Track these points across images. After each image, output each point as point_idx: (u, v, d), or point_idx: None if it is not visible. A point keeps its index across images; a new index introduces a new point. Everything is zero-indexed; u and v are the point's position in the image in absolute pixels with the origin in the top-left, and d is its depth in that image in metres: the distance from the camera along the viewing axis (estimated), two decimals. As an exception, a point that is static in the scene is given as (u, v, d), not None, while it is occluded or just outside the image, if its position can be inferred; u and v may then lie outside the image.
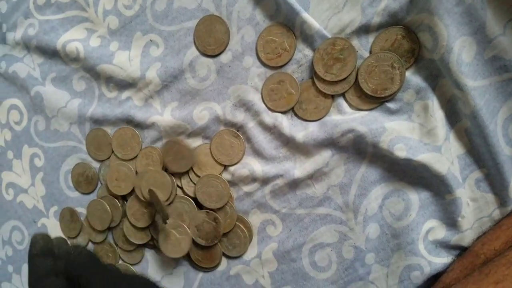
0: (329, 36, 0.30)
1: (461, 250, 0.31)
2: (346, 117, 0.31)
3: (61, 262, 0.28)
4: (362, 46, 0.30)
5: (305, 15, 0.30)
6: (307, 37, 0.30)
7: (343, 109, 0.32)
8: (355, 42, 0.30)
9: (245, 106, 0.34)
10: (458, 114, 0.29)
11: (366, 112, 0.31)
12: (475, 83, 0.28)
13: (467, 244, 0.30)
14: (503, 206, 0.29)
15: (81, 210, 0.42)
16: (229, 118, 0.34)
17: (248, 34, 0.32)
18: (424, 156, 0.30)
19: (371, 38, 0.30)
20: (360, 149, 0.32)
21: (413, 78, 0.30)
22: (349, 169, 0.32)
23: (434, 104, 0.30)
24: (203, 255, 0.36)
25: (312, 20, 0.30)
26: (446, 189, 0.30)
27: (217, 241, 0.35)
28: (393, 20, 0.29)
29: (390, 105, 0.31)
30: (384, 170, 0.32)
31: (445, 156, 0.30)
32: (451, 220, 0.30)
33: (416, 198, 0.31)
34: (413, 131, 0.31)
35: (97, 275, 0.27)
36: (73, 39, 0.38)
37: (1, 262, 0.47)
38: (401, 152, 0.30)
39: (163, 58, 0.35)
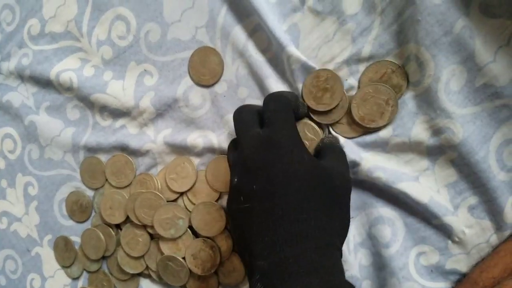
0: (316, 66, 0.31)
1: (460, 276, 0.31)
2: None
3: None
4: (352, 75, 0.31)
5: (291, 49, 0.30)
6: (294, 71, 0.31)
7: None
8: (345, 71, 0.31)
9: None
10: (441, 148, 0.29)
11: (342, 141, 0.31)
12: (464, 111, 0.28)
13: (465, 270, 0.30)
14: (499, 231, 0.29)
15: (76, 239, 0.42)
16: (224, 146, 0.34)
17: (242, 66, 0.32)
18: (403, 185, 0.30)
19: (361, 68, 0.31)
20: None
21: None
22: None
23: (410, 141, 0.30)
24: (199, 285, 0.36)
25: (298, 53, 0.30)
26: (431, 215, 0.30)
27: (213, 271, 0.35)
28: (383, 50, 0.30)
29: (366, 137, 0.31)
30: (367, 196, 0.32)
31: (426, 185, 0.30)
32: (443, 245, 0.30)
33: (401, 223, 0.31)
34: (389, 161, 0.31)
35: None
36: (66, 69, 0.38)
37: (-6, 292, 0.46)
38: (380, 179, 0.30)
39: (157, 88, 0.35)
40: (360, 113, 0.30)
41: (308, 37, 0.31)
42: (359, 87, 0.31)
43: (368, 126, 0.31)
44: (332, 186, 0.25)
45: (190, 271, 0.35)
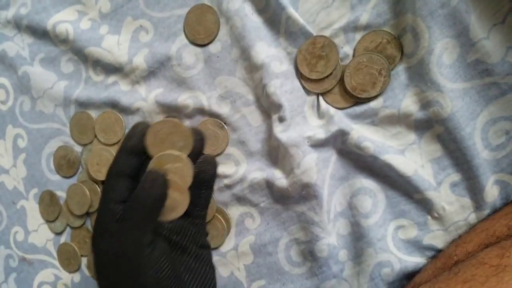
0: (313, 32, 0.31)
1: (436, 252, 0.31)
2: (319, 123, 0.32)
3: None
4: (348, 43, 0.31)
5: (290, 11, 0.30)
6: (291, 34, 0.31)
7: (315, 112, 0.32)
8: (341, 38, 0.31)
9: (232, 97, 0.34)
10: (429, 122, 0.30)
11: (332, 114, 0.31)
12: (454, 85, 0.28)
13: (441, 246, 0.31)
14: (478, 210, 0.30)
15: (61, 194, 0.42)
16: (215, 109, 0.35)
17: (236, 25, 0.32)
18: (388, 157, 0.30)
19: (357, 36, 0.31)
20: (329, 147, 0.32)
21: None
22: (320, 169, 0.32)
23: (400, 113, 0.30)
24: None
25: (297, 16, 0.30)
26: (413, 189, 0.30)
27: None
28: (381, 20, 0.30)
29: (356, 108, 0.31)
30: (351, 166, 0.32)
31: (411, 159, 0.30)
32: (422, 220, 0.31)
33: (382, 196, 0.31)
34: (376, 133, 0.31)
35: None
36: (63, 20, 0.38)
37: (-23, 243, 0.47)
38: (367, 149, 0.30)
39: (151, 44, 0.36)
40: (353, 83, 0.31)
41: (308, 1, 0.31)
42: (353, 55, 0.31)
43: (359, 96, 0.31)
44: None
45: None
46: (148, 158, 0.28)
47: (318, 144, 0.31)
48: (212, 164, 0.30)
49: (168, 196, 0.26)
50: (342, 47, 0.31)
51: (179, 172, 0.27)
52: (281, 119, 0.32)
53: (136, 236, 0.25)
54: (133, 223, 0.25)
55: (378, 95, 0.31)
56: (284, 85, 0.32)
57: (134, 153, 0.27)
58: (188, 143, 0.28)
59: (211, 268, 0.30)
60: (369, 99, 0.31)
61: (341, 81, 0.31)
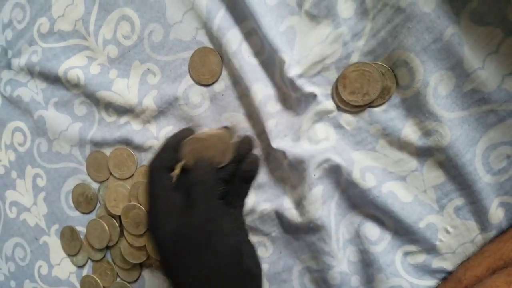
0: (293, 78, 0.32)
1: (446, 274, 0.32)
2: (319, 147, 0.33)
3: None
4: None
5: (283, 55, 0.32)
6: (283, 76, 0.32)
7: (312, 137, 0.33)
8: (332, 72, 0.32)
9: (239, 132, 0.36)
10: (430, 150, 0.31)
11: (334, 141, 0.33)
12: (452, 115, 0.29)
13: (450, 268, 0.32)
14: (484, 232, 0.31)
15: (81, 229, 0.44)
16: (223, 143, 0.36)
17: (235, 67, 0.34)
18: (390, 184, 0.31)
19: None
20: (334, 179, 0.33)
21: (383, 114, 0.32)
22: (325, 200, 0.33)
23: (400, 141, 0.31)
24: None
25: (289, 61, 0.32)
26: (417, 216, 0.31)
27: None
28: (371, 57, 0.31)
29: (355, 133, 0.33)
30: (357, 198, 0.33)
31: (413, 185, 0.32)
32: (429, 245, 0.32)
33: (390, 223, 0.33)
34: (378, 160, 0.33)
35: None
36: (74, 66, 0.40)
37: (4, 277, 0.49)
38: (371, 181, 0.31)
39: (159, 86, 0.38)
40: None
41: (303, 39, 0.33)
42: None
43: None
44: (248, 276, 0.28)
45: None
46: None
47: (323, 176, 0.33)
48: (257, 163, 0.34)
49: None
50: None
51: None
52: (282, 154, 0.34)
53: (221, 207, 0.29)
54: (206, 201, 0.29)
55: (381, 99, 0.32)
56: (279, 124, 0.33)
57: (175, 151, 0.32)
58: (228, 152, 0.32)
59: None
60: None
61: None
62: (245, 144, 0.34)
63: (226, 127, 0.36)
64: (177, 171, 0.32)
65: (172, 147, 0.32)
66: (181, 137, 0.32)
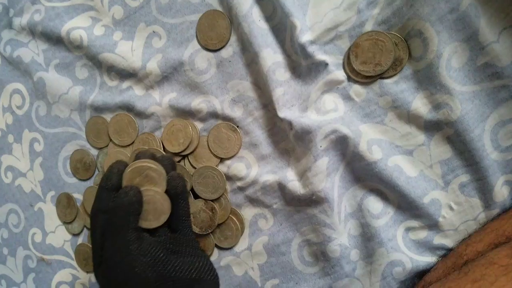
0: (305, 44, 0.31)
1: (446, 251, 0.32)
2: (326, 117, 0.33)
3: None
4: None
5: (294, 20, 0.31)
6: (295, 42, 0.32)
7: (320, 108, 0.33)
8: (345, 40, 0.32)
9: (244, 101, 0.36)
10: (438, 124, 0.31)
11: (342, 113, 0.33)
12: (463, 88, 0.29)
13: (451, 245, 0.32)
14: (488, 210, 0.31)
15: (78, 196, 0.44)
16: (227, 112, 0.36)
17: (244, 31, 0.33)
18: (396, 158, 0.31)
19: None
20: (340, 151, 0.33)
21: (393, 86, 0.31)
22: (329, 172, 0.33)
23: (409, 114, 0.31)
24: (195, 244, 0.38)
25: (298, 27, 0.31)
26: (421, 191, 0.31)
27: (211, 231, 0.37)
28: (386, 25, 0.31)
29: (364, 105, 0.32)
30: (361, 171, 0.33)
31: (419, 160, 0.32)
32: (431, 222, 0.32)
33: (393, 197, 0.33)
34: (385, 133, 0.32)
35: None
36: (77, 27, 0.39)
37: (-4, 244, 0.49)
38: (377, 154, 0.31)
39: (164, 50, 0.37)
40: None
41: (317, 4, 0.32)
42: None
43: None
44: None
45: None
46: None
47: (329, 148, 0.32)
48: (179, 178, 0.31)
49: (150, 204, 0.29)
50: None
51: (153, 180, 0.30)
52: (288, 124, 0.33)
53: (121, 235, 0.28)
54: (115, 226, 0.28)
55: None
56: (286, 93, 0.33)
57: (114, 190, 0.30)
58: (161, 177, 0.30)
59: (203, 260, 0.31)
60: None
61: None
62: (170, 165, 0.32)
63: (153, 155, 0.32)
64: None
65: (109, 189, 0.30)
66: (116, 176, 0.30)
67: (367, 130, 0.32)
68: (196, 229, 0.37)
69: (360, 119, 0.33)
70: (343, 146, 0.33)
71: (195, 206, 0.37)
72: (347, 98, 0.33)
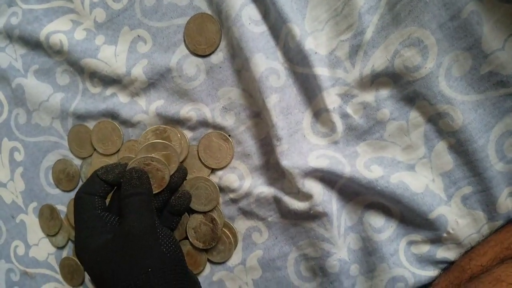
0: (308, 52, 0.30)
1: (448, 264, 0.32)
2: (321, 143, 0.32)
3: None
4: (350, 58, 0.31)
5: (291, 26, 0.30)
6: (289, 49, 0.30)
7: (316, 130, 0.32)
8: (345, 51, 0.31)
9: (236, 109, 0.34)
10: (439, 133, 0.30)
11: (340, 135, 0.32)
12: (466, 98, 0.28)
13: (453, 258, 0.31)
14: (491, 221, 0.31)
15: (62, 208, 0.42)
16: (218, 121, 0.35)
17: (234, 36, 0.32)
18: (399, 175, 0.30)
19: (360, 52, 0.31)
20: (336, 171, 0.32)
21: (389, 99, 0.31)
22: (326, 185, 0.32)
23: (409, 125, 0.30)
24: (188, 261, 0.37)
25: (297, 32, 0.30)
26: (427, 208, 0.30)
27: (215, 243, 0.36)
28: (384, 33, 0.30)
29: (362, 122, 0.31)
30: (362, 187, 0.32)
31: (422, 174, 0.31)
32: (436, 236, 0.31)
33: (396, 211, 0.32)
34: (386, 149, 0.32)
35: None
36: (57, 31, 0.38)
37: (-23, 257, 0.47)
38: (378, 172, 0.30)
39: (150, 55, 0.35)
40: None
41: (316, 8, 0.31)
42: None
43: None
44: None
45: (192, 244, 0.36)
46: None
47: (323, 171, 0.32)
48: (187, 198, 0.35)
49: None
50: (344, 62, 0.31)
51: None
52: (278, 138, 0.32)
53: (146, 218, 0.29)
54: (139, 210, 0.29)
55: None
56: (282, 100, 0.32)
57: (108, 184, 0.31)
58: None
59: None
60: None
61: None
62: (180, 174, 0.34)
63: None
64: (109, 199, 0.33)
65: (103, 178, 0.31)
66: (112, 169, 0.32)
67: (366, 148, 0.31)
68: (199, 245, 0.36)
69: (359, 137, 0.32)
70: (338, 168, 0.32)
71: (195, 220, 0.36)
72: (344, 116, 0.32)
